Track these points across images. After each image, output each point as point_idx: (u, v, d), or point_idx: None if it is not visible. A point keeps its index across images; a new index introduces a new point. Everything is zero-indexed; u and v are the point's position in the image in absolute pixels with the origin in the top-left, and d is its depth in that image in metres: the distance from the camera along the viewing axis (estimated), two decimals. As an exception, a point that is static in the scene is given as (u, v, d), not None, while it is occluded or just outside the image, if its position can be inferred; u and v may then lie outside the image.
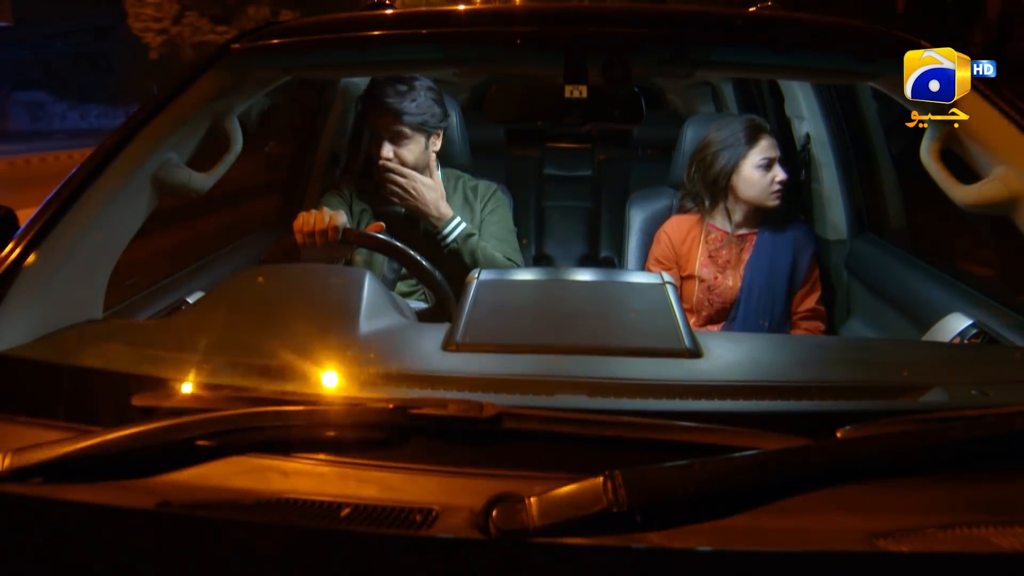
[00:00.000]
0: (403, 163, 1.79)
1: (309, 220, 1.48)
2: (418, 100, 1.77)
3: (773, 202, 1.83)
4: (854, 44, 1.21)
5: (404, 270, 1.80)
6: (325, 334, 0.94)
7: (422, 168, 1.86)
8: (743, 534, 0.60)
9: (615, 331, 0.93)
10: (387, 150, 1.77)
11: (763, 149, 1.82)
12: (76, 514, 0.63)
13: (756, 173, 1.82)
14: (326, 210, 1.49)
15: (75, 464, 0.66)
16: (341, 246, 1.51)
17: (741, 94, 2.81)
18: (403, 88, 1.76)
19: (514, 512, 0.58)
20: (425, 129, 1.81)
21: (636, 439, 0.67)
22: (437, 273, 1.42)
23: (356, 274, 1.05)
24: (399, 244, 1.44)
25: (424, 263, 1.42)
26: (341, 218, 1.48)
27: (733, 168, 1.84)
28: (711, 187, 1.88)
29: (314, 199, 2.25)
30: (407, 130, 1.77)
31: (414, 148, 1.80)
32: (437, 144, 1.87)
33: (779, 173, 1.82)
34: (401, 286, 1.83)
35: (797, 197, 2.16)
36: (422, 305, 1.56)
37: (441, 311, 1.42)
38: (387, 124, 1.76)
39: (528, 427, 0.68)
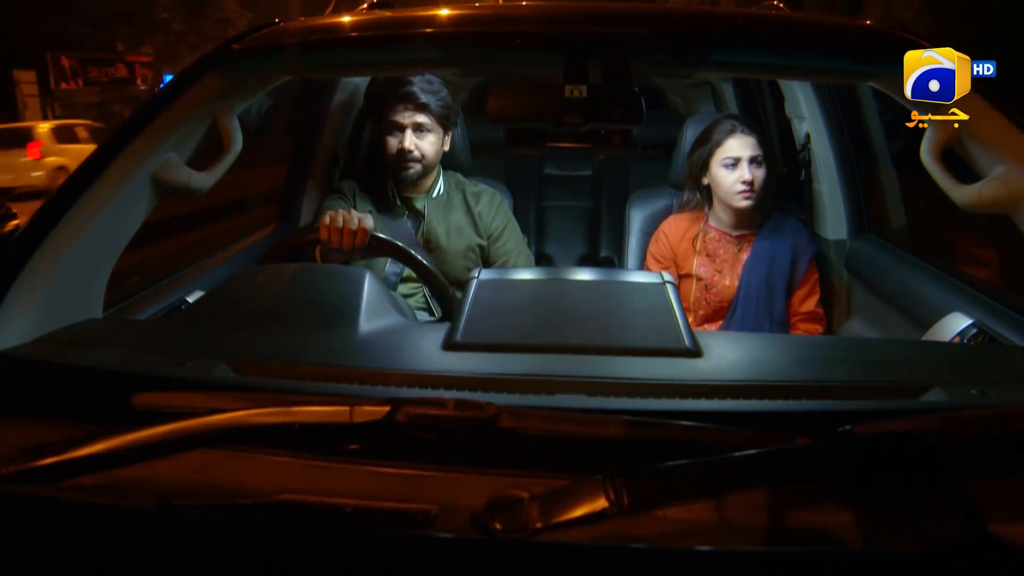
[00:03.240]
0: (423, 156, 1.80)
1: (338, 220, 1.46)
2: (441, 94, 1.79)
3: (740, 203, 1.83)
4: (854, 44, 1.21)
5: (405, 271, 1.80)
6: (325, 334, 0.94)
7: (434, 166, 1.86)
8: (743, 534, 0.60)
9: (615, 331, 0.93)
10: (409, 140, 1.77)
11: (729, 148, 1.82)
12: (76, 514, 0.63)
13: (722, 172, 1.84)
14: (355, 212, 1.48)
15: (75, 464, 0.66)
16: (366, 250, 1.50)
17: (741, 94, 2.81)
18: (427, 81, 1.78)
19: (514, 512, 0.58)
20: (444, 124, 1.82)
21: (636, 439, 0.67)
22: (453, 291, 1.42)
23: (356, 274, 1.05)
24: (420, 258, 1.45)
25: (440, 277, 1.42)
26: (369, 222, 1.47)
27: (703, 166, 1.87)
28: (695, 185, 1.92)
29: (313, 200, 2.25)
30: (430, 122, 1.78)
31: (435, 141, 1.82)
32: (446, 144, 1.88)
33: (744, 173, 1.81)
34: (402, 288, 1.83)
35: (797, 197, 2.16)
36: (426, 317, 1.57)
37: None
38: (411, 114, 1.77)
39: (528, 427, 0.68)
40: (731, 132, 1.83)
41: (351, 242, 1.46)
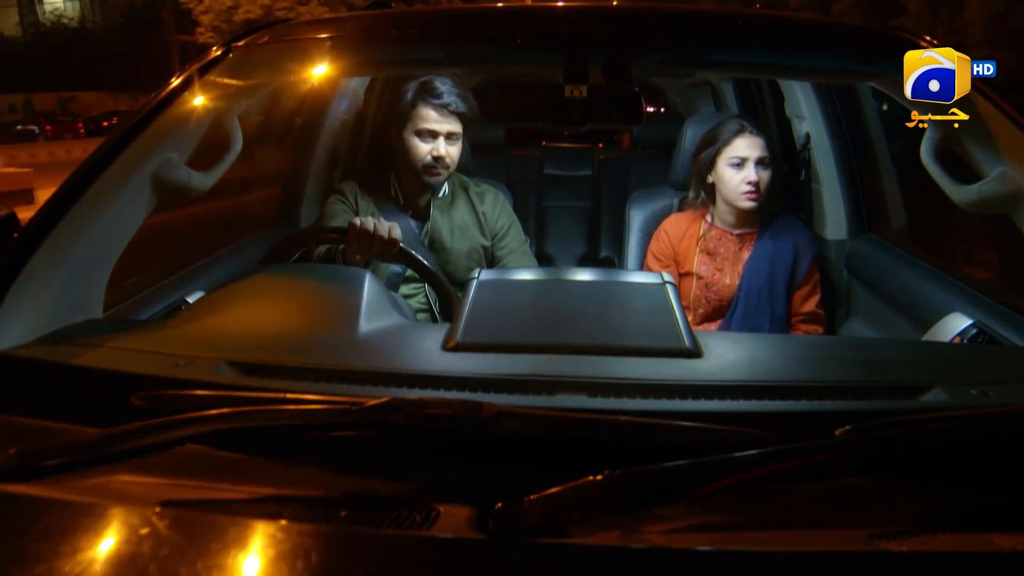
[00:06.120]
0: (453, 162, 1.82)
1: (369, 225, 1.47)
2: (469, 101, 1.82)
3: (745, 203, 1.83)
4: (854, 44, 1.21)
5: (407, 271, 1.80)
6: (325, 334, 0.94)
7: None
8: (743, 534, 0.60)
9: (615, 331, 0.93)
10: (443, 148, 1.79)
11: (737, 148, 1.83)
12: (76, 514, 0.62)
13: (728, 171, 1.84)
14: (383, 221, 1.49)
15: (75, 464, 0.66)
16: (391, 260, 1.51)
17: (741, 94, 2.81)
18: (455, 88, 1.80)
19: (514, 512, 0.58)
20: (467, 130, 1.85)
21: (636, 439, 0.67)
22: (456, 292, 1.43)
23: (356, 274, 1.05)
24: (440, 276, 1.45)
25: (458, 295, 1.43)
26: (398, 232, 1.48)
27: (710, 165, 1.87)
28: (700, 183, 1.92)
29: (313, 200, 2.25)
30: (460, 130, 1.81)
31: (461, 146, 1.85)
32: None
33: (751, 174, 1.81)
34: (403, 288, 1.83)
35: (797, 197, 2.16)
36: (426, 319, 1.57)
37: None
38: (447, 123, 1.79)
39: (528, 427, 0.68)
40: (739, 132, 1.84)
41: (380, 250, 1.46)
